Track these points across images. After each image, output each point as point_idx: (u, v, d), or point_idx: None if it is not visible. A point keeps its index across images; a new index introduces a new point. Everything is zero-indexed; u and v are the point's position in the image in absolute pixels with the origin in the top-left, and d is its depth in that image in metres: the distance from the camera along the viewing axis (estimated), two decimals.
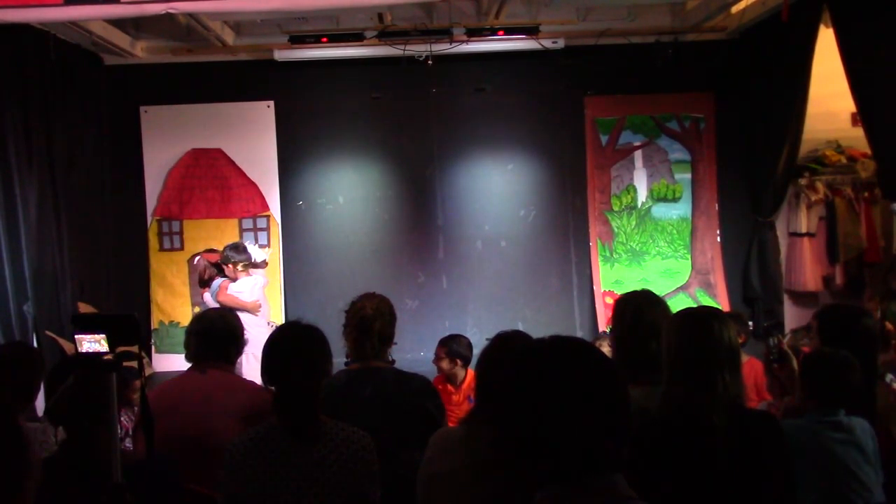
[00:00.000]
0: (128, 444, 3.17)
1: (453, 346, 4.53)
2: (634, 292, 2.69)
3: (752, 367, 4.12)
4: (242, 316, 5.46)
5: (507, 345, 2.26)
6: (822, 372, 2.51)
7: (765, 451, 2.13)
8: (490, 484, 2.00)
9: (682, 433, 2.12)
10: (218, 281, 5.61)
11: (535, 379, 1.30)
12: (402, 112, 7.06)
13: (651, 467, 2.09)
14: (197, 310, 6.45)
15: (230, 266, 5.61)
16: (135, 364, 2.09)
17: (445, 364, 4.52)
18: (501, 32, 6.30)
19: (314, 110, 6.99)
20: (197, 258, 5.76)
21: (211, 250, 5.79)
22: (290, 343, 2.32)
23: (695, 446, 2.10)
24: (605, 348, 3.57)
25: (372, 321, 2.81)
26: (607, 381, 1.31)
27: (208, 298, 5.57)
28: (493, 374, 2.18)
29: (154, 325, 6.94)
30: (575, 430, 1.26)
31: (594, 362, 1.33)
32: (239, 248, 5.71)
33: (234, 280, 5.60)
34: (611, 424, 1.29)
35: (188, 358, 2.97)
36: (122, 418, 3.36)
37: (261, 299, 5.68)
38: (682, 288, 7.05)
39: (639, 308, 2.55)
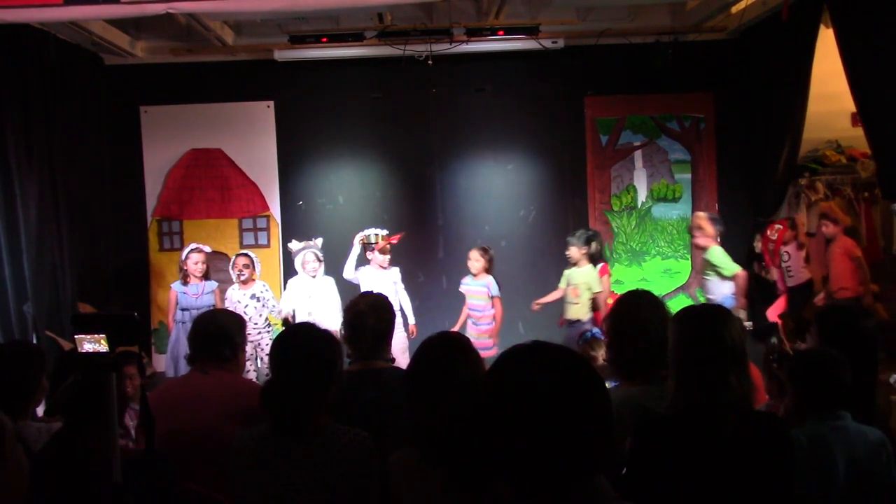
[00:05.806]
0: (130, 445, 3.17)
1: None
2: (632, 291, 2.69)
3: None
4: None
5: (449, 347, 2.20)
6: (817, 373, 2.46)
7: (770, 452, 2.11)
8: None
9: (688, 432, 2.10)
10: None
11: (514, 388, 1.24)
12: (403, 112, 7.06)
13: (656, 466, 2.08)
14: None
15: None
16: (135, 349, 2.08)
17: None
18: (501, 32, 6.30)
19: (314, 110, 6.99)
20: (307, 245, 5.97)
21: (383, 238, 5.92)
22: (289, 343, 2.33)
23: (701, 445, 2.08)
24: (601, 350, 3.55)
25: (365, 318, 2.82)
26: (588, 385, 1.26)
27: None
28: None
29: (154, 325, 6.95)
30: (556, 438, 1.20)
31: (573, 367, 1.27)
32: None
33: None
34: (592, 428, 1.23)
35: (188, 360, 2.99)
36: (125, 419, 3.37)
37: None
38: (682, 288, 7.05)
39: (635, 307, 2.54)
